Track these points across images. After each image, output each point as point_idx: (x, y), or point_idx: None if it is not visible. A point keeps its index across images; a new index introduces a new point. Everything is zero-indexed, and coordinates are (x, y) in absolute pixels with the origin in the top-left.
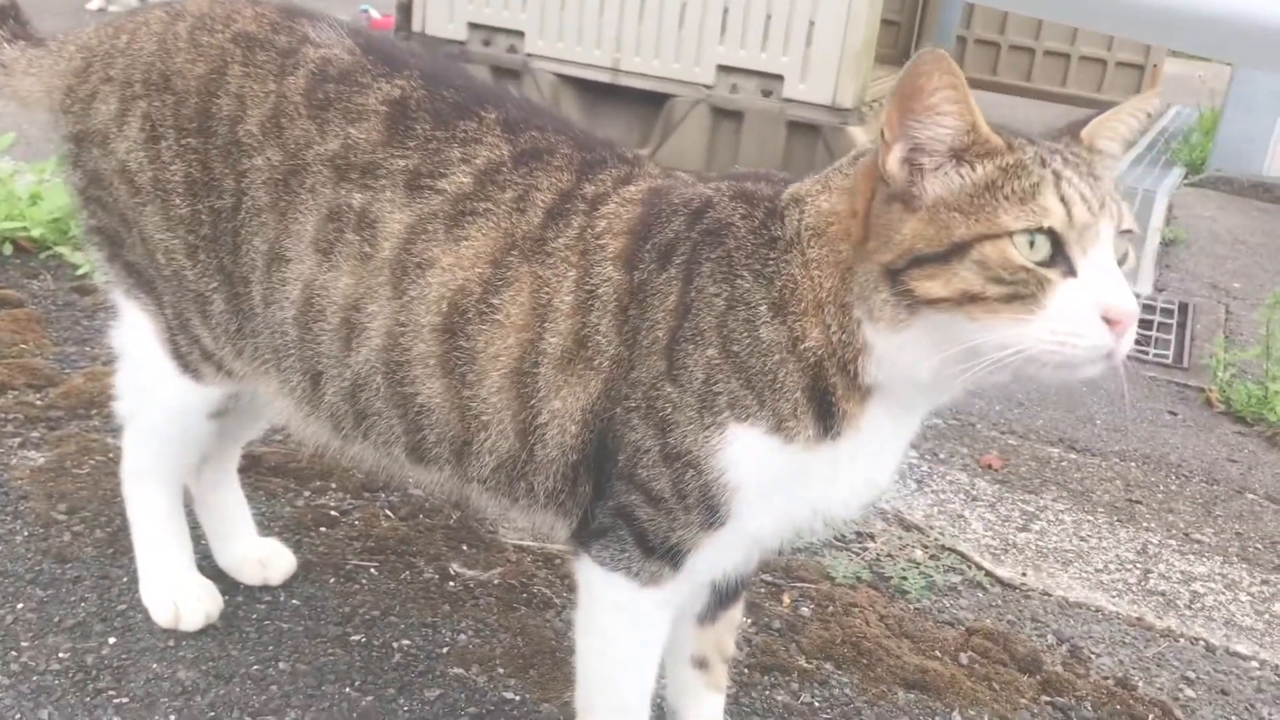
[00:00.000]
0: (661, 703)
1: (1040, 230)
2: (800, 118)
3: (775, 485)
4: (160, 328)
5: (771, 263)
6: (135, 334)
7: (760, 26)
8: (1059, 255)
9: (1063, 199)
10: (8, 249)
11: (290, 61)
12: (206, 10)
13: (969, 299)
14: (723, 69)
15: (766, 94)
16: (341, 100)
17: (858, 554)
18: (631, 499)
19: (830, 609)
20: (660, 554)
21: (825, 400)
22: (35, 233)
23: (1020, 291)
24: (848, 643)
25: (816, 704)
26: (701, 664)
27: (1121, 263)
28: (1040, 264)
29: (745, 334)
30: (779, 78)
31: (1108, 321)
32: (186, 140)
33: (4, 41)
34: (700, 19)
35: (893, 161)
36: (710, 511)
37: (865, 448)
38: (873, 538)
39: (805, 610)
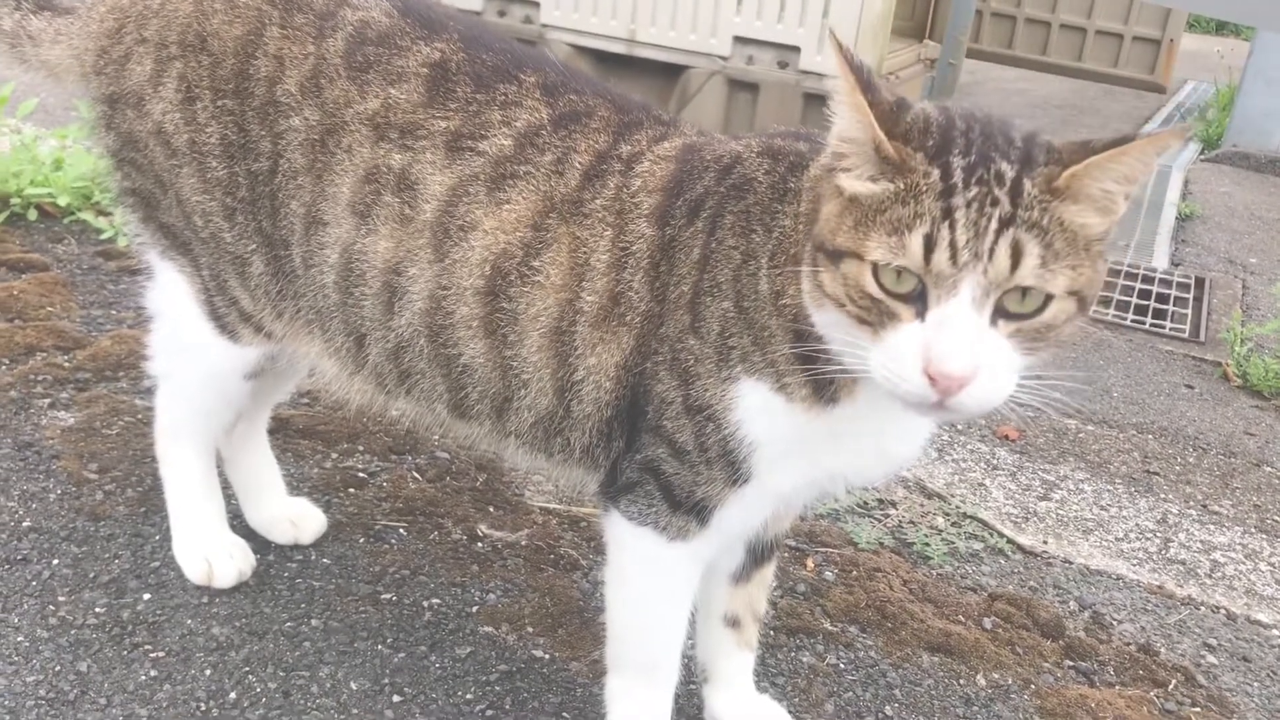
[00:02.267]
0: (690, 661)
1: (898, 267)
2: (817, 89)
3: (788, 445)
4: (197, 289)
5: (778, 215)
6: (171, 295)
7: None
8: (922, 295)
9: (927, 242)
10: (33, 214)
11: (329, 23)
12: None
13: (840, 305)
14: (739, 40)
15: (783, 65)
16: (381, 62)
17: (880, 520)
18: (658, 452)
19: (854, 573)
20: (686, 509)
21: (812, 363)
22: (61, 200)
23: (867, 318)
24: (872, 606)
25: (842, 665)
26: (734, 622)
27: (1032, 318)
28: (898, 297)
29: (752, 287)
30: (795, 49)
31: (930, 377)
32: (223, 102)
33: (30, 13)
34: None
35: (832, 137)
36: (731, 467)
37: (870, 418)
38: (895, 505)
39: (829, 574)
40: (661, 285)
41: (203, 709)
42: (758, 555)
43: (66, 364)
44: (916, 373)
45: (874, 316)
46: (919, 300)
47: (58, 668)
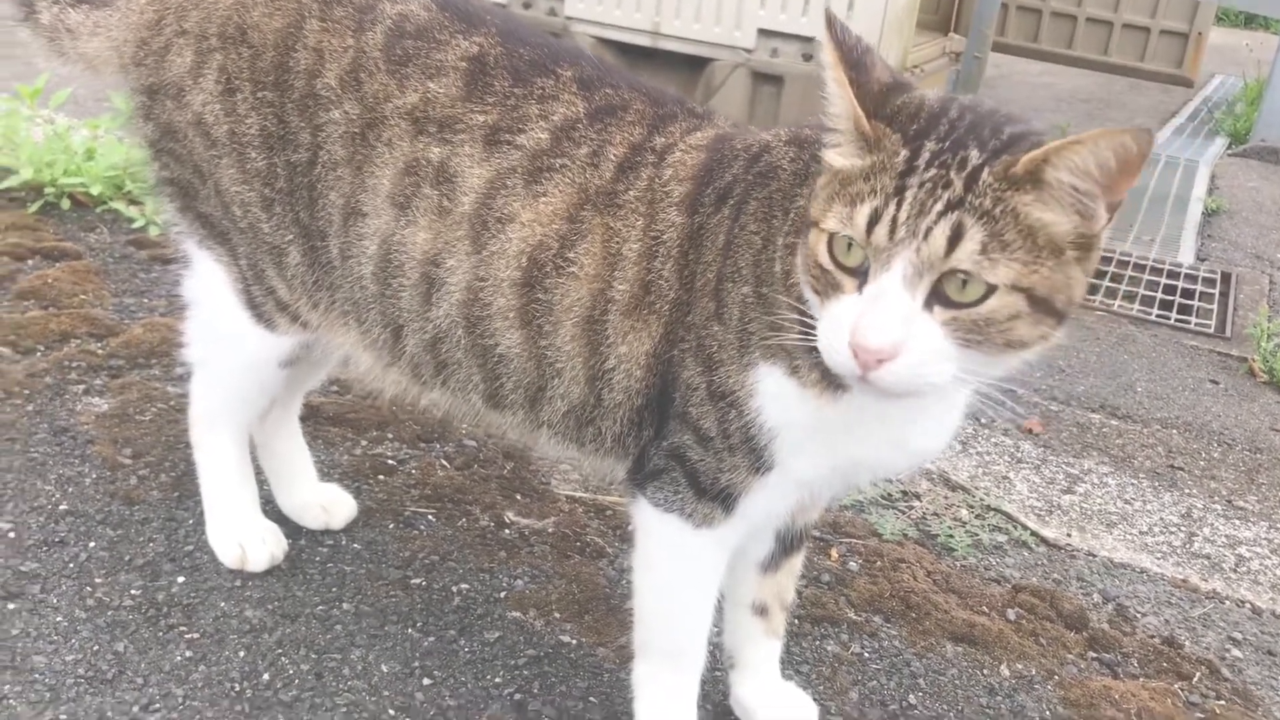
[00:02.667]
0: (715, 648)
1: (845, 237)
2: None
3: (806, 432)
4: (234, 278)
5: (795, 199)
6: (208, 284)
7: None
8: (867, 271)
9: (871, 216)
10: (66, 203)
11: (368, 17)
12: None
13: (803, 275)
14: (764, 33)
15: (807, 58)
16: (420, 55)
17: (904, 512)
18: (684, 439)
19: (878, 564)
20: (711, 496)
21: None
22: (94, 189)
23: (817, 287)
24: (896, 596)
25: (866, 654)
26: (762, 611)
27: (971, 308)
28: (845, 270)
29: (769, 270)
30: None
31: (852, 349)
32: (263, 94)
33: (68, 6)
34: None
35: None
36: (754, 454)
37: (887, 409)
38: (918, 497)
39: (853, 565)
40: (690, 273)
41: (237, 689)
42: (787, 545)
43: (100, 351)
44: (843, 343)
45: (823, 286)
46: (863, 275)
47: (96, 647)
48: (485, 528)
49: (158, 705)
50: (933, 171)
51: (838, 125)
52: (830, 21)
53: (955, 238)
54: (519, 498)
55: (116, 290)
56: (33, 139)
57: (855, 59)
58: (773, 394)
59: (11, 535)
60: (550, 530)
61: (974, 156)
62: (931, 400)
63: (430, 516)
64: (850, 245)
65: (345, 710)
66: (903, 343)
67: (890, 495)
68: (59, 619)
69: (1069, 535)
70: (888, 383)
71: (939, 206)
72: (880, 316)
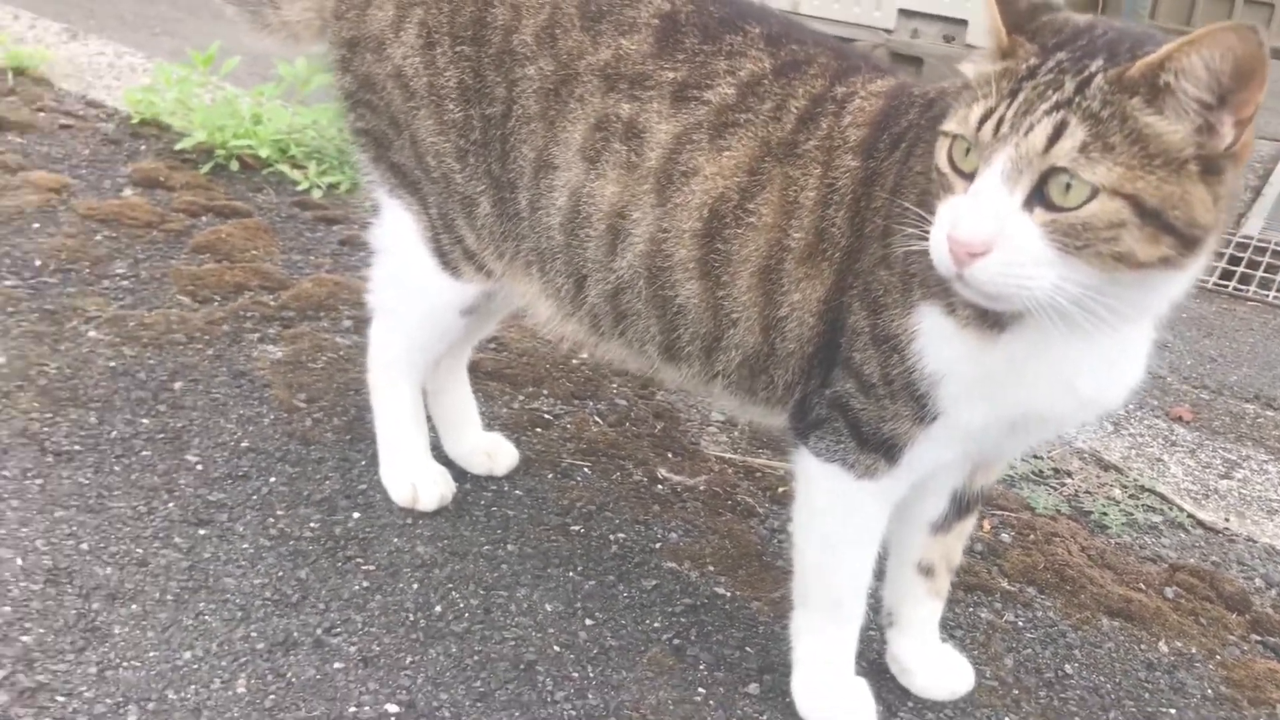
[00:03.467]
0: (875, 602)
1: (958, 136)
2: None
3: (968, 377)
4: (423, 226)
5: None
6: (397, 231)
7: None
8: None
9: (983, 114)
10: (234, 165)
11: None
12: None
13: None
14: (904, 13)
15: (948, 39)
16: (614, 13)
17: (1056, 489)
18: (846, 386)
19: (1031, 537)
20: (874, 446)
21: None
22: (262, 152)
23: (937, 190)
24: (1050, 569)
25: (1020, 624)
26: (928, 571)
27: (1072, 211)
28: (960, 173)
29: (930, 206)
30: (962, 23)
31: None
32: (461, 48)
33: None
34: None
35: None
36: (916, 402)
37: (1046, 348)
38: (1070, 475)
39: (1006, 536)
40: (860, 219)
41: (411, 619)
42: (961, 507)
43: (272, 302)
44: (942, 238)
45: (940, 191)
46: (972, 179)
47: (280, 573)
48: (639, 482)
49: (339, 629)
50: (1050, 76)
51: (985, 40)
52: None
53: (1056, 135)
54: (670, 455)
55: (285, 247)
56: (204, 104)
57: None
58: (932, 335)
59: (199, 468)
60: (701, 488)
61: (1096, 65)
62: (1098, 340)
63: (586, 469)
64: (967, 150)
65: (514, 644)
66: (995, 238)
67: (1041, 472)
68: (244, 545)
69: (1227, 520)
70: (980, 280)
71: (1046, 106)
72: (974, 210)
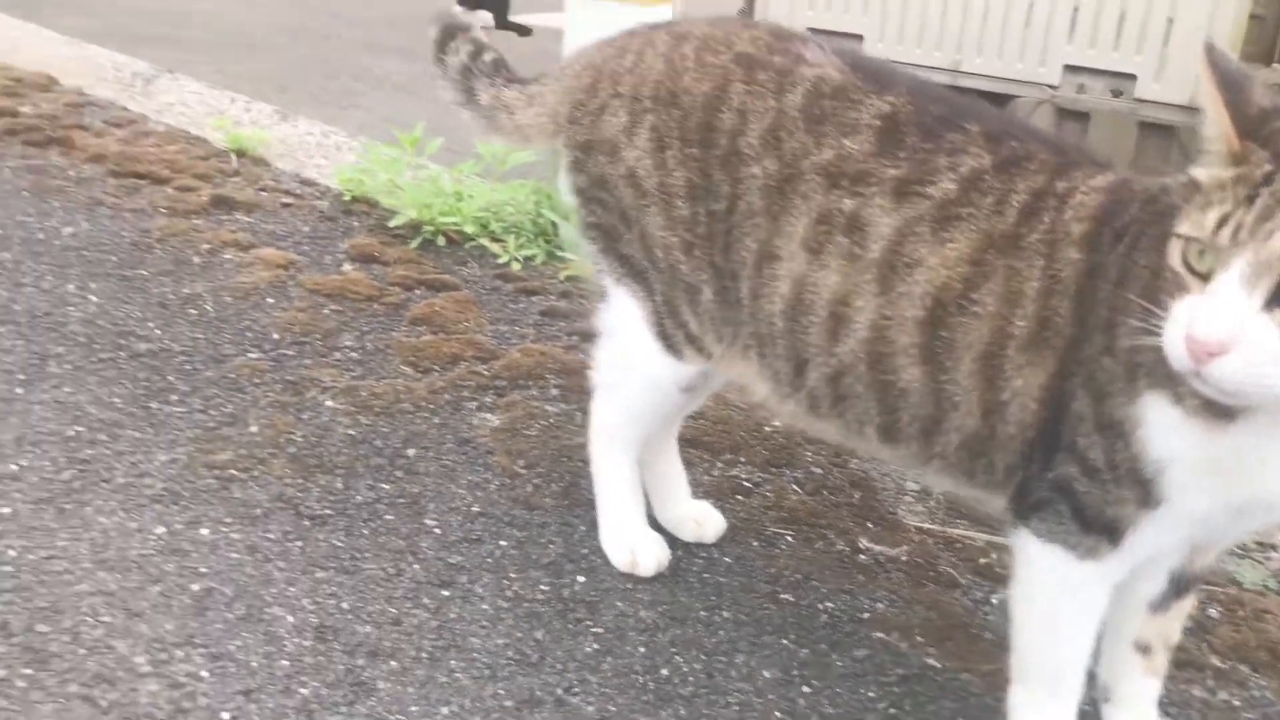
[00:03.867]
0: (1089, 677)
1: (1192, 239)
2: (1154, 118)
3: (1195, 465)
4: (648, 312)
5: None
6: (624, 317)
7: (1113, 25)
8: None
9: (1220, 219)
10: (441, 240)
11: (788, 80)
12: (709, 33)
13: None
14: (1070, 69)
15: (1116, 94)
16: (836, 115)
17: (1261, 562)
18: (1070, 470)
19: (1240, 613)
20: (1097, 529)
21: None
22: (467, 228)
23: (1170, 289)
24: (1262, 647)
25: (1236, 703)
26: (1145, 649)
27: None
28: (1195, 274)
29: (1156, 300)
30: (1131, 77)
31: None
32: (690, 150)
33: (503, 86)
34: (1048, 18)
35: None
36: (1141, 487)
37: (1276, 439)
38: (1275, 548)
39: (1213, 612)
40: (1084, 309)
41: (640, 681)
42: (1180, 586)
43: (486, 372)
44: (1179, 337)
45: (1173, 289)
46: (1207, 279)
47: (519, 634)
48: (841, 551)
49: (577, 689)
50: None
51: (1210, 147)
52: (1209, 48)
53: None
54: (869, 525)
55: (491, 319)
56: (410, 181)
57: (1232, 81)
58: (1158, 423)
59: (438, 531)
60: (903, 558)
61: None
62: None
63: (789, 537)
64: (1202, 252)
65: (738, 708)
66: (1234, 339)
67: (1245, 545)
68: (484, 607)
69: None
70: (1218, 378)
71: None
72: (1213, 312)
